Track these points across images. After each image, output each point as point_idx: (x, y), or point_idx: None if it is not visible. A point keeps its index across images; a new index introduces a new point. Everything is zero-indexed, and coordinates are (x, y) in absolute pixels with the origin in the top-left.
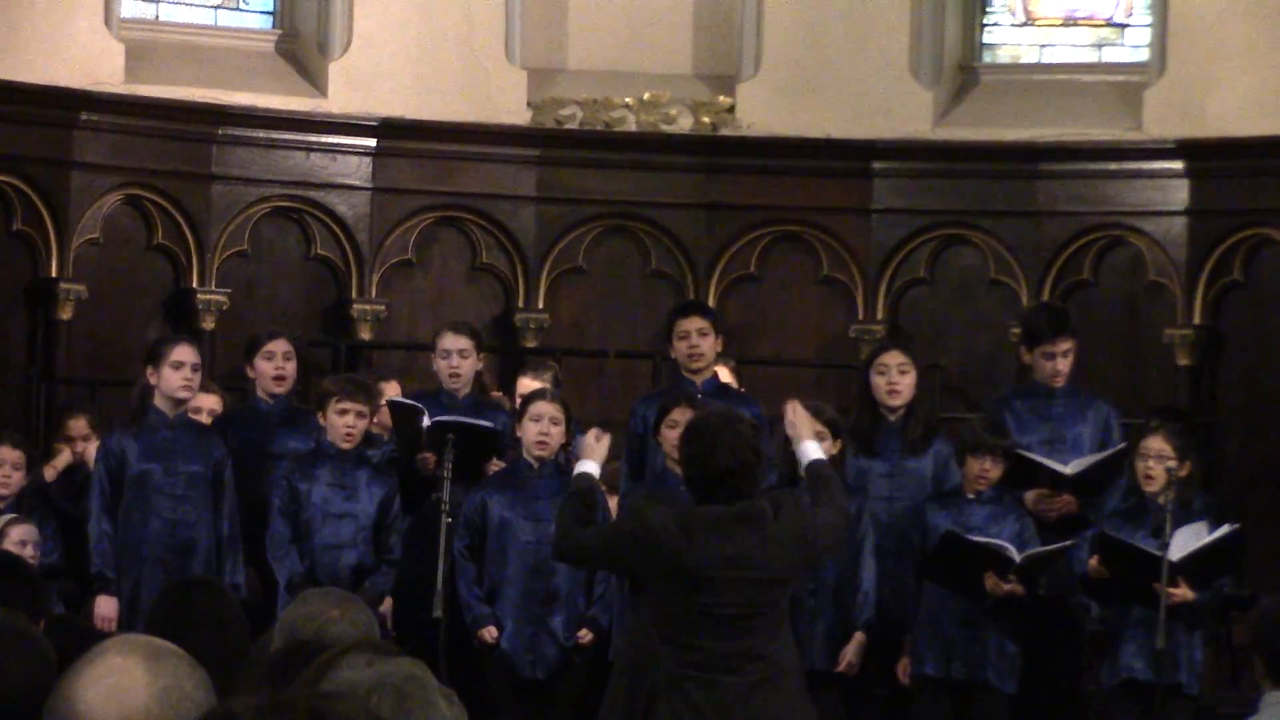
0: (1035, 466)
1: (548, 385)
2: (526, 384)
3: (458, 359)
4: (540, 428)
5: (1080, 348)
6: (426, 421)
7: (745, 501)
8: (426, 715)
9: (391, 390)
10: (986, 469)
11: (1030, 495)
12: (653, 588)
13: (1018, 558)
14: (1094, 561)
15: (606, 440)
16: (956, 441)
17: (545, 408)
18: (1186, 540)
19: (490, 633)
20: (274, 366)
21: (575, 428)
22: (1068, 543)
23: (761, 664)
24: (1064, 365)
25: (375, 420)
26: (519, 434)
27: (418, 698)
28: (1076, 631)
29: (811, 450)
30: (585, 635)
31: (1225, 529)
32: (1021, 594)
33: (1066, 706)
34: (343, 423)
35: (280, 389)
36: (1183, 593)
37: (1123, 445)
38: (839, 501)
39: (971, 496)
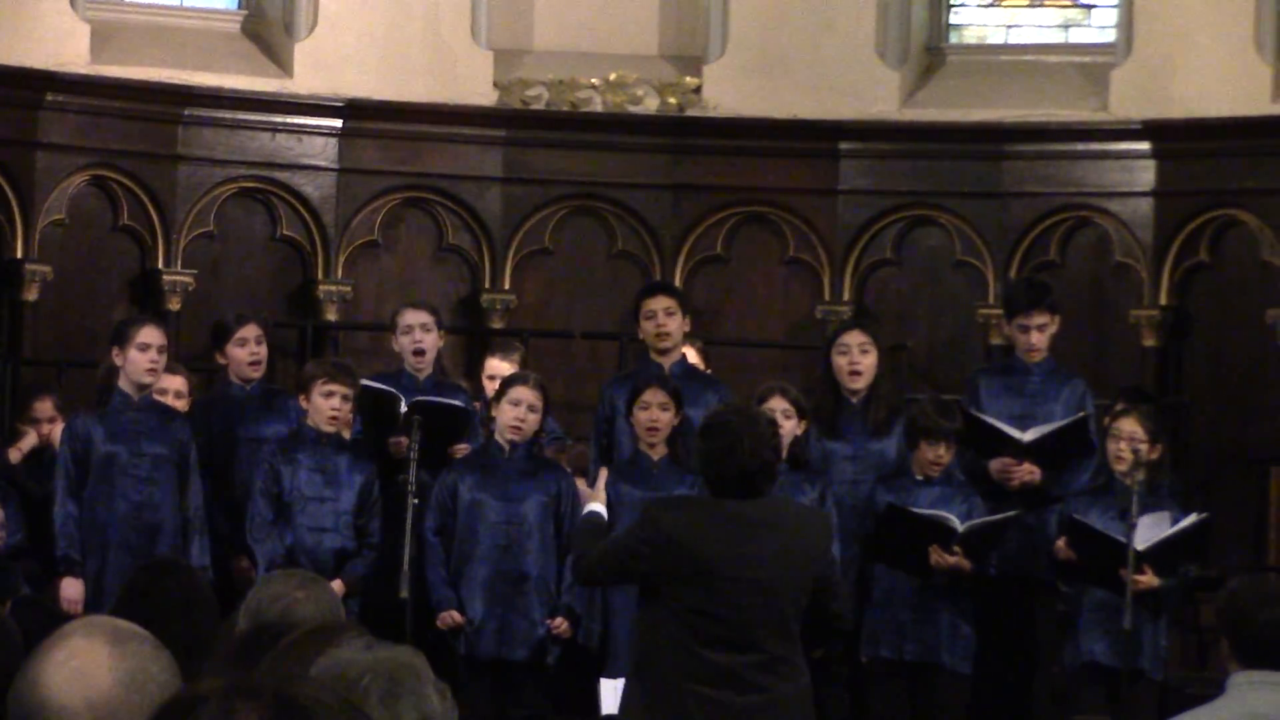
0: (993, 432)
1: (518, 366)
2: (495, 364)
3: (420, 333)
4: (518, 413)
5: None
6: (403, 408)
7: (765, 500)
8: (416, 704)
9: None
10: (941, 455)
11: (994, 464)
12: (664, 592)
13: (960, 528)
14: (1061, 543)
15: (602, 479)
16: (906, 424)
17: (525, 393)
18: (1149, 529)
19: (453, 616)
20: (248, 352)
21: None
22: (1011, 513)
23: (772, 682)
24: (1039, 339)
25: None
26: (494, 414)
27: (409, 685)
28: (1033, 612)
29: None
30: (561, 625)
31: (1193, 518)
32: (968, 569)
33: (1025, 687)
34: (328, 405)
35: (256, 373)
36: (1148, 579)
37: (1081, 415)
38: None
39: (920, 478)
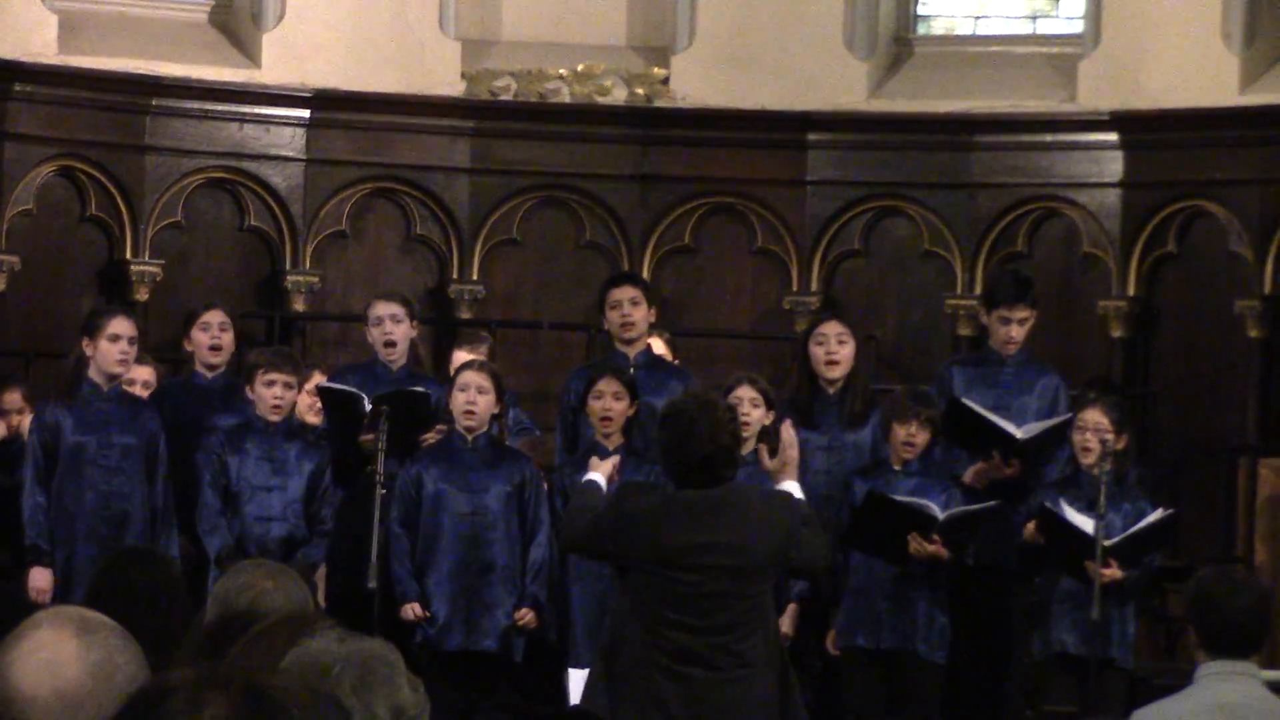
0: (984, 426)
1: (486, 357)
2: (461, 357)
3: (390, 324)
4: (467, 397)
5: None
6: (368, 405)
7: (726, 487)
8: (387, 695)
9: (314, 378)
10: (913, 434)
11: (969, 473)
12: (633, 575)
13: (941, 516)
14: (1031, 527)
15: (613, 461)
16: (881, 410)
17: (471, 377)
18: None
19: (415, 609)
20: (210, 337)
21: (510, 399)
22: (991, 503)
23: (733, 659)
24: (1018, 333)
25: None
26: (450, 407)
27: (381, 676)
28: (1007, 602)
29: (794, 490)
30: (526, 615)
31: (1159, 514)
32: (945, 557)
33: (998, 677)
34: (270, 394)
35: (216, 359)
36: (1112, 572)
37: (1069, 415)
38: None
39: (898, 468)
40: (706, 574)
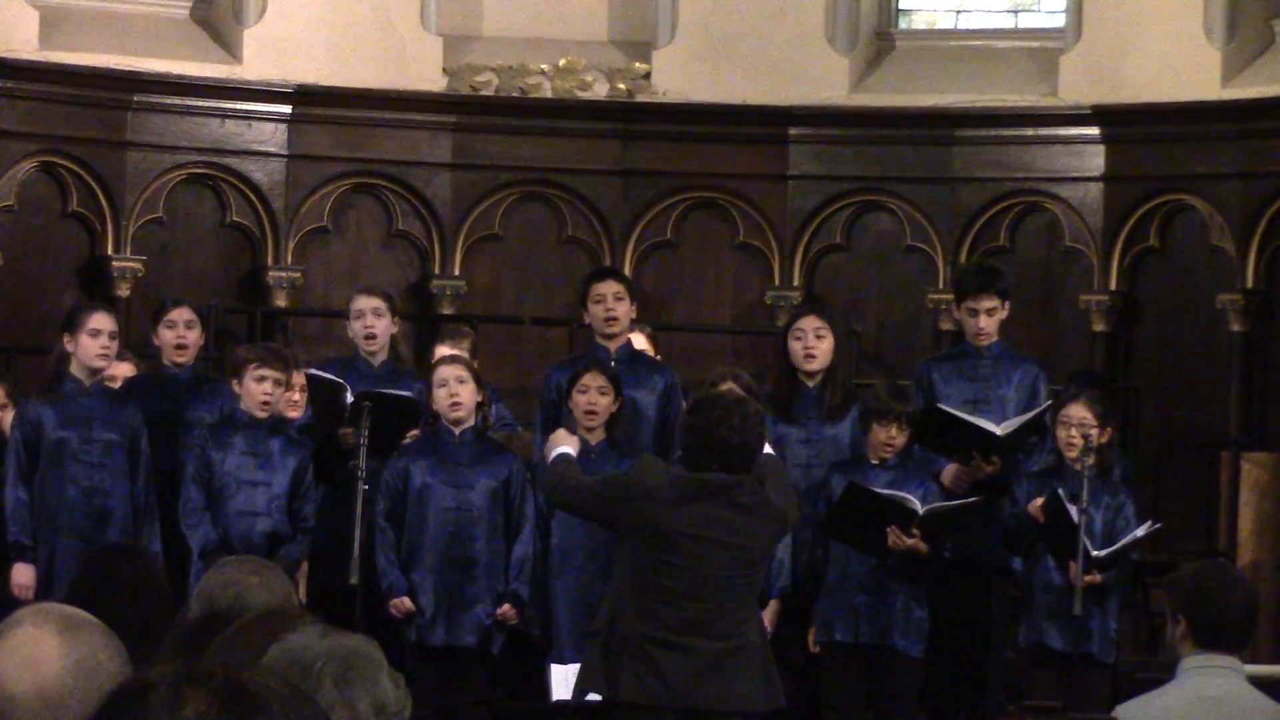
0: (957, 425)
1: (468, 352)
2: (442, 352)
3: (371, 318)
4: (449, 390)
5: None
6: (349, 398)
7: (738, 476)
8: (369, 690)
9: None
10: (893, 436)
11: (947, 474)
12: (633, 547)
13: (921, 509)
14: (1038, 503)
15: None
16: (860, 408)
17: (447, 370)
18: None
19: (404, 603)
20: (175, 335)
21: (492, 393)
22: (972, 499)
23: (730, 633)
24: (986, 323)
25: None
26: (434, 405)
27: (363, 671)
28: (986, 595)
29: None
30: (508, 611)
31: (1146, 527)
32: (924, 551)
33: (978, 671)
34: (260, 390)
35: (181, 358)
36: (1092, 578)
37: (1049, 403)
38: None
39: (875, 462)
40: (710, 551)
